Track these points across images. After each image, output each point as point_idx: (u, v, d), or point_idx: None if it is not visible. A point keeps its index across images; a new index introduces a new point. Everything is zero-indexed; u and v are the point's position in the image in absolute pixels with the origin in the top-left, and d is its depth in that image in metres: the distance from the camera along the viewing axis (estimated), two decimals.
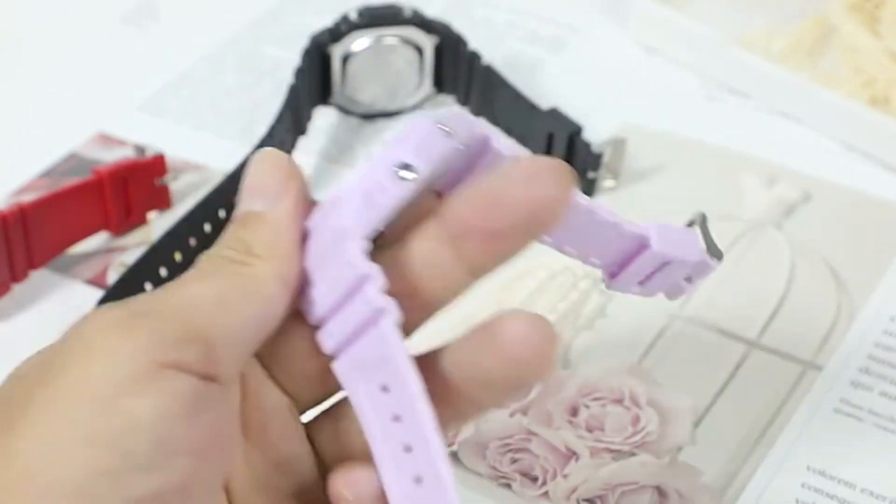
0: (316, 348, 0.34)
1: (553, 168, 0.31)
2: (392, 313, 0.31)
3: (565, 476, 0.47)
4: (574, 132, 0.60)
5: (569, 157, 0.60)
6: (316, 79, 0.64)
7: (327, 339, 0.33)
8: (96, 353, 0.30)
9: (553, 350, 0.32)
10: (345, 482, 0.33)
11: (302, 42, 0.63)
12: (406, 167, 0.32)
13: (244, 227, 0.34)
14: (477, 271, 0.33)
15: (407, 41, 0.64)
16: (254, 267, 0.33)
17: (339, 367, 0.33)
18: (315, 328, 0.34)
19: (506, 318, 0.31)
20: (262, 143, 0.59)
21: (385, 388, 0.32)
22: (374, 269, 0.31)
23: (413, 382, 0.31)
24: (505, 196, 0.31)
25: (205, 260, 0.33)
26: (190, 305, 0.31)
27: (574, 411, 0.50)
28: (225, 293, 0.32)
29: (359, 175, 0.33)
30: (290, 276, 0.33)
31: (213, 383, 0.31)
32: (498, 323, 0.31)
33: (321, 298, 0.33)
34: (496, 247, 0.32)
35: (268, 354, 0.35)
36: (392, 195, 0.32)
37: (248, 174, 0.34)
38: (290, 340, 0.34)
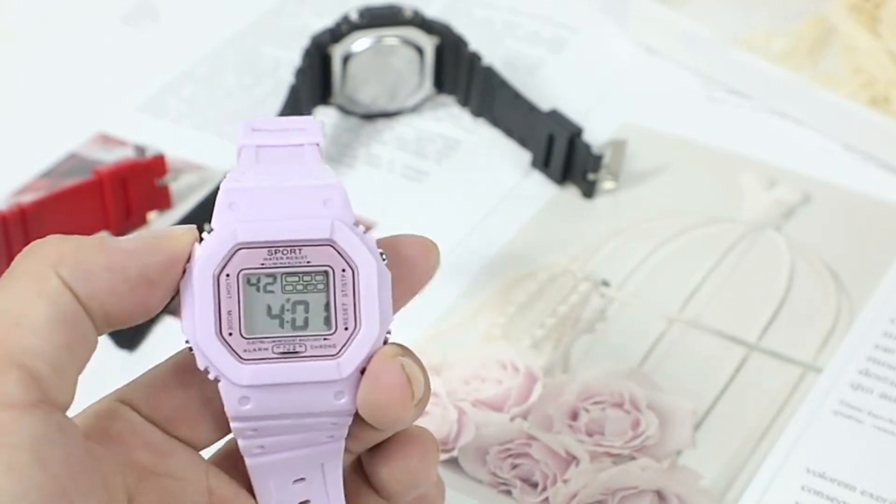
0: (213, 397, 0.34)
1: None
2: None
3: (565, 481, 0.47)
4: (574, 133, 0.60)
5: (569, 159, 0.60)
6: (316, 79, 0.64)
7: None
8: None
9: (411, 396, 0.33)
10: None
11: (302, 42, 0.63)
12: None
13: None
14: None
15: (407, 42, 0.64)
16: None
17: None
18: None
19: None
20: None
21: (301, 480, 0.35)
22: None
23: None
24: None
25: None
26: None
27: (574, 415, 0.50)
28: None
29: None
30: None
31: (48, 406, 0.30)
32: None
33: None
34: None
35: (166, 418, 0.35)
36: None
37: None
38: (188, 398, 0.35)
